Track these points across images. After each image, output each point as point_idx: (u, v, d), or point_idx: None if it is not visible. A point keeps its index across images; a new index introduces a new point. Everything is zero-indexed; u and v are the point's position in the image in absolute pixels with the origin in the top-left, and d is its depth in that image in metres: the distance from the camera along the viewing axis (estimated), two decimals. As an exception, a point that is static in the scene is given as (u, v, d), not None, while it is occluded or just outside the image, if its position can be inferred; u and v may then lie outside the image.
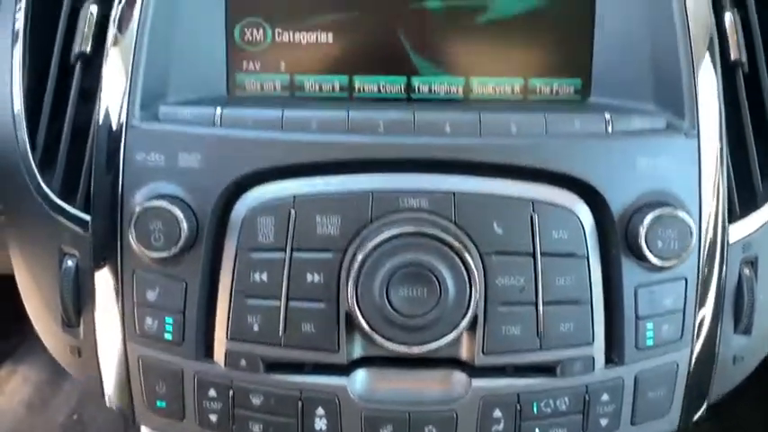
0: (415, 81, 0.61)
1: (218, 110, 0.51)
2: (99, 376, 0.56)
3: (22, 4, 0.57)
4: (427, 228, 0.48)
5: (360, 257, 0.47)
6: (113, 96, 0.53)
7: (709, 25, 0.54)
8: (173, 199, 0.49)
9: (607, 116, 0.52)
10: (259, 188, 0.50)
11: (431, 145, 0.50)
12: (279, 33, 0.61)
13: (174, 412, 0.53)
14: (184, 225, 0.48)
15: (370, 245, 0.48)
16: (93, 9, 0.56)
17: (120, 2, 0.54)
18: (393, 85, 0.61)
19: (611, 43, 0.58)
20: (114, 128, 0.52)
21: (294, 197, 0.50)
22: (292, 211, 0.49)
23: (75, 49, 0.56)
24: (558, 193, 0.50)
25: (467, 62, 0.60)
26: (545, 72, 0.60)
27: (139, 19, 0.53)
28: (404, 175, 0.50)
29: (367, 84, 0.61)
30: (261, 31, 0.61)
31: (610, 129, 0.51)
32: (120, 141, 0.51)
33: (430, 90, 0.61)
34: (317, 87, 0.61)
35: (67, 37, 0.57)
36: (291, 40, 0.61)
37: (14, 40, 0.56)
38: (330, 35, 0.60)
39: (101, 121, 0.52)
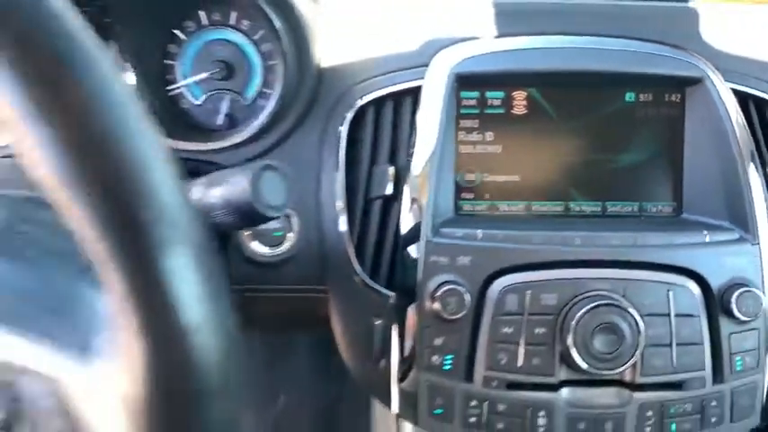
0: (571, 204, 0.97)
1: (479, 232, 0.87)
2: (388, 394, 0.89)
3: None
4: (611, 301, 0.83)
5: (575, 318, 0.82)
6: (410, 222, 0.88)
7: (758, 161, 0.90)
8: (455, 284, 0.84)
9: (704, 232, 0.87)
10: (506, 277, 0.86)
11: (609, 251, 0.86)
12: (485, 177, 0.97)
13: (446, 417, 0.86)
14: (466, 298, 0.83)
15: (580, 312, 0.82)
16: (391, 171, 0.92)
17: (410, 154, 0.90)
18: (556, 206, 0.97)
19: (696, 178, 0.91)
20: (416, 240, 0.87)
21: (529, 283, 0.85)
22: (528, 291, 0.84)
23: (376, 191, 0.91)
24: (682, 279, 0.86)
25: (604, 192, 0.97)
26: (652, 197, 0.95)
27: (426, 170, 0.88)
28: (593, 270, 0.85)
29: (539, 206, 0.97)
30: (474, 175, 0.97)
31: (707, 239, 0.87)
32: (422, 250, 0.86)
33: (579, 211, 0.97)
34: (508, 209, 0.97)
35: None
36: (493, 180, 0.97)
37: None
38: (517, 177, 0.97)
39: (404, 237, 0.88)
